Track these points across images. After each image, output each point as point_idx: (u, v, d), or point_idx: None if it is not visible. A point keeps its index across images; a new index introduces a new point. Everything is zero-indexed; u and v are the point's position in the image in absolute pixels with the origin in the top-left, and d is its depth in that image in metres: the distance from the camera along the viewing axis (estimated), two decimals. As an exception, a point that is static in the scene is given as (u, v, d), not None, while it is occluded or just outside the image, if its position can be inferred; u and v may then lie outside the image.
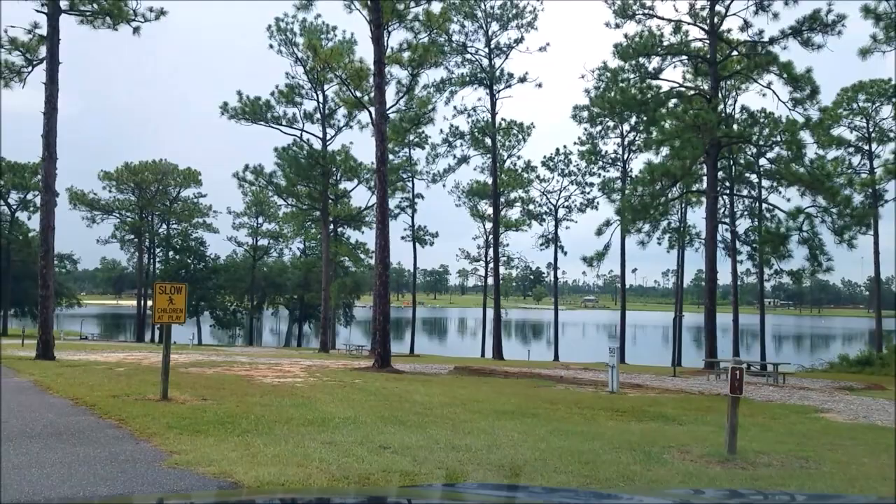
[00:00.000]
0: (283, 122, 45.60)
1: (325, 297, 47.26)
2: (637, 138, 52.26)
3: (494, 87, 42.87)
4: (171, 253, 73.10)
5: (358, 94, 34.82)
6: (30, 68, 23.78)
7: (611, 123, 53.76)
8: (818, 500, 3.46)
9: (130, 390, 13.09)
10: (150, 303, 74.53)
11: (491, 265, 63.34)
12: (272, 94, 45.04)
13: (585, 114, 39.50)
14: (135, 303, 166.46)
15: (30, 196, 69.16)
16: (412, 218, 62.55)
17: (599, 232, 31.44)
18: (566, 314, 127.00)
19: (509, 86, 43.53)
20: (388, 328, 22.12)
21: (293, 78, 45.09)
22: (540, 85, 43.63)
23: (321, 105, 46.16)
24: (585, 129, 53.45)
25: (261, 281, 75.27)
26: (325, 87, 45.81)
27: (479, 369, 22.11)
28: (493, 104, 43.05)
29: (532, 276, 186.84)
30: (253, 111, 43.75)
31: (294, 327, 79.67)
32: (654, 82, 31.68)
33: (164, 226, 74.34)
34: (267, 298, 78.18)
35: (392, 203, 57.06)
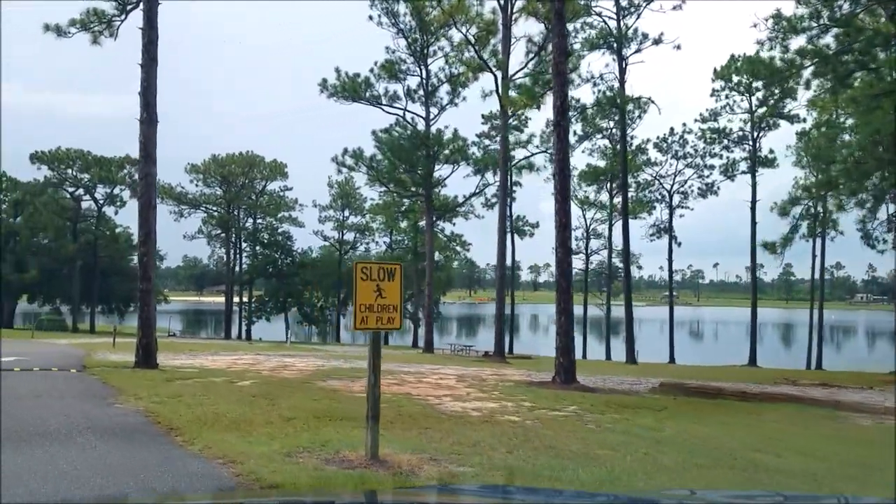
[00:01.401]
0: (383, 101, 40.84)
1: (430, 293, 42.32)
2: (770, 111, 45.54)
3: (623, 52, 36.91)
4: (257, 248, 69.63)
5: (466, 60, 29.51)
6: (123, 16, 19.34)
7: (738, 97, 47.25)
8: (818, 500, 3.44)
9: (307, 438, 8.02)
10: (236, 298, 71.71)
11: (592, 257, 57.37)
12: (371, 70, 40.33)
13: (737, 78, 33.18)
14: (216, 299, 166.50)
15: (116, 191, 66.84)
16: (510, 207, 57.38)
17: (784, 211, 25.26)
18: (649, 311, 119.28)
19: (639, 50, 37.53)
20: (572, 331, 16.70)
21: (394, 52, 40.25)
22: (679, 47, 37.30)
23: (424, 81, 41.18)
24: (719, 99, 47.01)
25: (346, 276, 71.12)
26: (430, 61, 40.80)
27: (699, 388, 16.45)
28: (622, 71, 37.10)
29: (606, 272, 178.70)
30: (352, 88, 39.09)
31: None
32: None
33: (251, 220, 70.95)
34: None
35: (488, 191, 51.91)
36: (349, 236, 71.16)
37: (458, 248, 56.26)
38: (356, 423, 8.89)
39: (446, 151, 41.10)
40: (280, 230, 68.97)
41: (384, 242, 71.16)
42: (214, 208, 69.60)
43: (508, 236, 55.09)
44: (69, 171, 65.12)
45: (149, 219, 18.50)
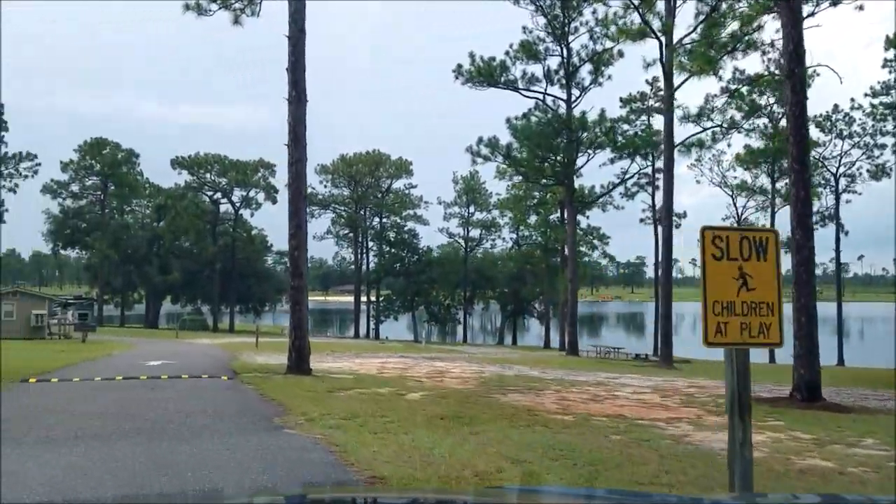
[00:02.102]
0: (520, 85, 37.94)
1: (573, 289, 38.98)
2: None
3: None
4: (384, 246, 68.70)
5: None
6: (267, -10, 17.53)
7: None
8: (817, 500, 3.35)
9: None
10: (363, 298, 71.23)
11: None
12: (507, 53, 37.54)
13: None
14: (341, 298, 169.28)
15: (251, 193, 67.89)
16: (652, 196, 52.98)
17: None
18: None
19: (812, 14, 32.37)
20: (816, 335, 13.10)
21: (531, 32, 37.27)
22: (861, 7, 31.85)
23: (565, 61, 37.91)
24: (892, 71, 40.86)
25: (471, 273, 68.86)
26: (571, 39, 37.50)
27: None
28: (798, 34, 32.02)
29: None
30: (488, 72, 36.48)
31: (506, 324, 72.49)
32: None
33: (377, 219, 70.14)
34: (477, 292, 71.62)
35: (629, 178, 47.84)
36: (474, 233, 68.90)
37: (596, 242, 52.52)
38: (620, 471, 6.04)
39: (590, 134, 37.60)
40: (406, 228, 67.72)
41: (511, 238, 68.40)
42: (342, 208, 69.33)
43: (651, 228, 50.92)
44: (208, 175, 66.74)
45: (299, 209, 16.58)
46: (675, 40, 26.36)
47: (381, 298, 70.23)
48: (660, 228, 40.30)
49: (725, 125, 38.92)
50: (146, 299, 75.84)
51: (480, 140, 38.97)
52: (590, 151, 39.38)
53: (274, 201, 67.46)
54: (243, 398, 11.79)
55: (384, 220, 70.23)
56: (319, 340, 46.86)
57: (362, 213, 69.03)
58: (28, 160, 59.00)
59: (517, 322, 70.21)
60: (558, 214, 54.03)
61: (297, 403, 10.84)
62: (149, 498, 4.95)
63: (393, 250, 65.97)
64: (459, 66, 36.15)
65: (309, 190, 65.68)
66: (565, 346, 40.16)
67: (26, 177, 59.25)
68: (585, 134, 37.77)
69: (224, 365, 19.92)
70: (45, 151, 78.80)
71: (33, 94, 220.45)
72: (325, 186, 67.41)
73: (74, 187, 68.59)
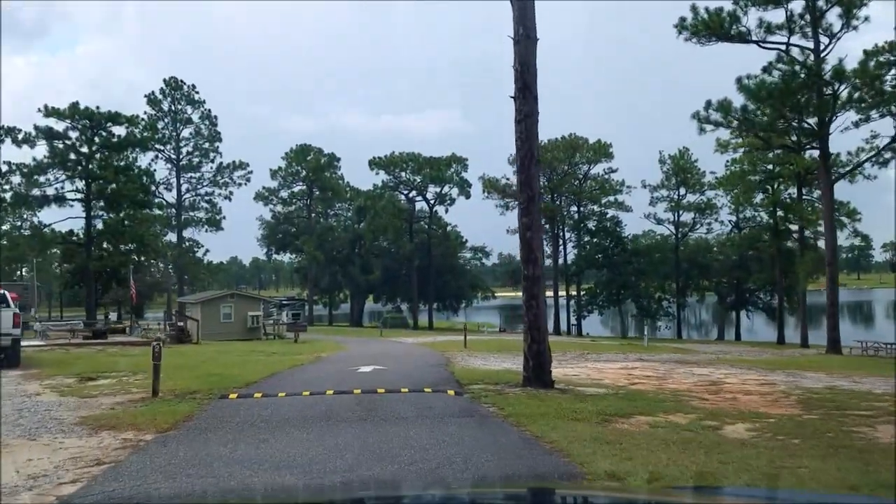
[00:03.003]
0: (752, 37, 31.64)
1: (832, 276, 31.89)
2: None
3: None
4: (585, 237, 63.93)
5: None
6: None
7: None
8: (817, 501, 3.28)
9: None
10: (562, 293, 66.96)
11: None
12: (736, 1, 31.41)
13: None
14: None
15: (445, 189, 66.33)
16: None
17: None
18: None
19: None
20: None
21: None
22: None
23: (810, 3, 31.02)
24: None
25: (683, 263, 61.86)
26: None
27: None
28: None
29: None
30: (717, 23, 30.67)
31: (726, 317, 64.36)
32: None
33: (575, 208, 65.50)
34: (691, 283, 64.35)
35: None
36: (686, 217, 61.81)
37: (845, 219, 43.77)
38: None
39: (849, 87, 30.39)
40: (608, 216, 62.33)
41: (729, 221, 60.48)
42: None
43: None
44: (403, 174, 66.21)
45: (531, 178, 12.86)
46: None
47: (582, 292, 65.56)
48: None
49: None
50: (350, 298, 77.56)
51: (709, 104, 33.14)
52: (848, 109, 32.02)
53: (467, 196, 65.39)
54: (495, 434, 8.18)
55: (582, 208, 65.44)
56: (510, 338, 43.44)
57: (559, 202, 64.77)
58: (241, 168, 61.89)
59: (738, 315, 62.04)
60: (794, 190, 46.06)
61: (582, 449, 7.00)
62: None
63: (595, 240, 60.91)
64: (682, 19, 30.78)
65: (502, 181, 62.96)
66: (827, 342, 33.04)
67: (240, 184, 62.23)
68: (843, 87, 30.59)
69: (443, 371, 16.80)
70: (256, 162, 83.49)
71: (244, 109, 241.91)
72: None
73: (283, 193, 71.48)
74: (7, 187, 47.32)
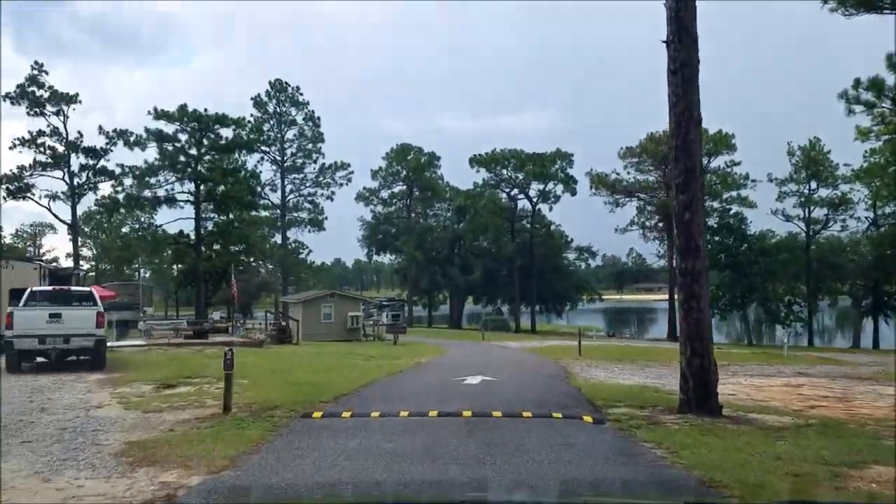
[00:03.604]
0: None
1: None
2: None
3: None
4: (706, 234, 58.80)
5: None
6: None
7: None
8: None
9: None
10: (678, 296, 62.01)
11: None
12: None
13: None
14: (638, 297, 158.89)
15: (549, 186, 62.98)
16: None
17: None
18: None
19: None
20: None
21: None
22: None
23: None
24: None
25: (814, 263, 55.72)
26: None
27: None
28: None
29: None
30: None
31: (860, 323, 57.57)
32: None
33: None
34: (822, 285, 57.95)
35: None
36: (817, 213, 55.68)
37: None
38: None
39: None
40: (731, 212, 56.93)
41: (867, 218, 53.94)
42: (646, 196, 61.07)
43: None
44: (504, 171, 63.51)
45: (690, 142, 9.94)
46: None
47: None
48: None
49: None
50: (450, 299, 75.56)
51: (858, 83, 28.58)
52: None
53: (573, 193, 61.81)
54: None
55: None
56: (624, 344, 39.71)
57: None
58: (342, 169, 61.19)
59: (876, 320, 55.25)
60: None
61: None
62: None
63: (717, 238, 55.77)
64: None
65: (612, 176, 59.07)
66: None
67: (341, 185, 61.51)
68: None
69: (564, 385, 14.08)
70: (356, 164, 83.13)
71: (345, 115, 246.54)
72: (629, 172, 59.84)
73: (384, 194, 70.47)
74: (119, 189, 48.34)
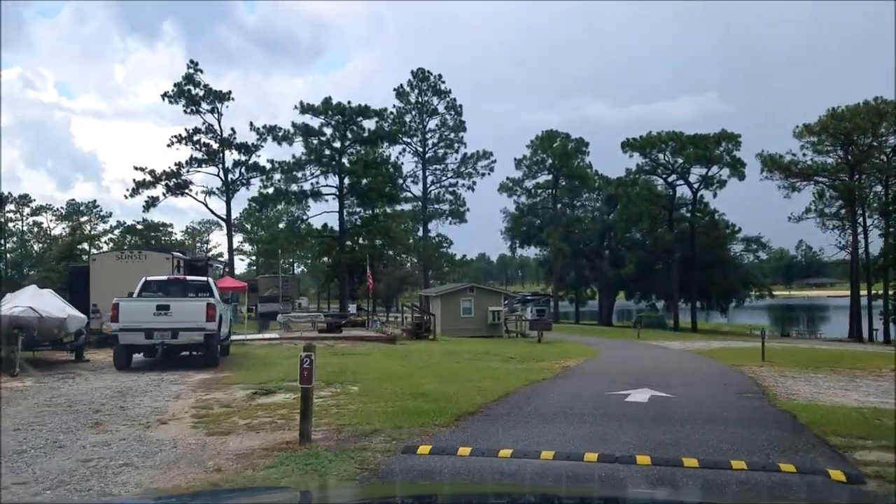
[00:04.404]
0: None
1: None
2: None
3: None
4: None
5: None
6: None
7: None
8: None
9: None
10: (875, 291, 53.77)
11: None
12: None
13: None
14: (807, 293, 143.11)
15: (713, 171, 56.72)
16: None
17: None
18: None
19: None
20: None
21: None
22: None
23: None
24: None
25: None
26: None
27: None
28: None
29: None
30: None
31: None
32: None
33: (881, 188, 52.02)
34: None
35: None
36: None
37: None
38: None
39: None
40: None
41: None
42: (827, 180, 53.19)
43: None
44: (661, 156, 58.03)
45: None
46: None
47: (892, 291, 51.85)
48: None
49: None
50: (599, 294, 71.01)
51: None
52: None
53: (741, 178, 55.20)
54: None
55: (892, 188, 51.73)
56: (807, 345, 33.52)
57: (860, 181, 51.93)
58: (485, 158, 58.79)
59: None
60: None
61: None
62: None
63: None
64: None
65: (787, 157, 52.00)
66: None
67: (483, 174, 59.12)
68: None
69: (767, 407, 10.42)
70: (500, 155, 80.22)
71: (490, 107, 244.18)
72: (805, 154, 52.34)
73: (528, 184, 67.33)
74: (269, 184, 48.97)
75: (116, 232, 77.82)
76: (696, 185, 57.83)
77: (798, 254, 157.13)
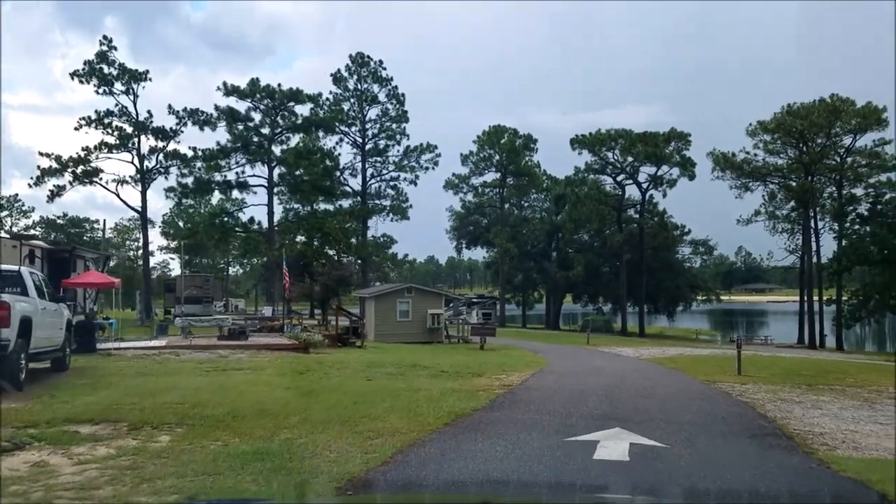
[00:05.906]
0: None
1: None
2: None
3: None
4: (848, 225, 48.57)
5: None
6: None
7: None
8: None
9: None
10: (826, 297, 51.90)
11: None
12: None
13: None
14: (746, 298, 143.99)
15: (663, 170, 54.13)
16: None
17: None
18: None
19: None
20: None
21: None
22: None
23: None
24: None
25: None
26: None
27: None
28: None
29: None
30: None
31: None
32: None
33: (833, 189, 50.23)
34: None
35: None
36: None
37: None
38: None
39: None
40: (886, 198, 46.42)
41: None
42: (779, 180, 51.18)
43: None
44: (610, 153, 55.12)
45: None
46: None
47: (844, 297, 50.03)
48: None
49: None
50: (546, 297, 67.90)
51: None
52: None
53: (691, 177, 52.73)
54: None
55: (845, 190, 49.97)
56: (769, 354, 30.61)
57: (812, 181, 49.99)
58: (429, 151, 54.81)
59: None
60: None
61: None
62: None
63: (866, 229, 45.51)
64: None
65: (740, 156, 49.69)
66: None
67: (427, 168, 55.08)
68: None
69: (794, 454, 6.72)
70: (447, 155, 76.60)
71: (443, 114, 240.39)
72: (758, 154, 50.15)
73: (475, 181, 63.72)
74: (186, 172, 43.85)
75: (38, 229, 70.90)
76: (645, 185, 55.20)
77: (738, 260, 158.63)
